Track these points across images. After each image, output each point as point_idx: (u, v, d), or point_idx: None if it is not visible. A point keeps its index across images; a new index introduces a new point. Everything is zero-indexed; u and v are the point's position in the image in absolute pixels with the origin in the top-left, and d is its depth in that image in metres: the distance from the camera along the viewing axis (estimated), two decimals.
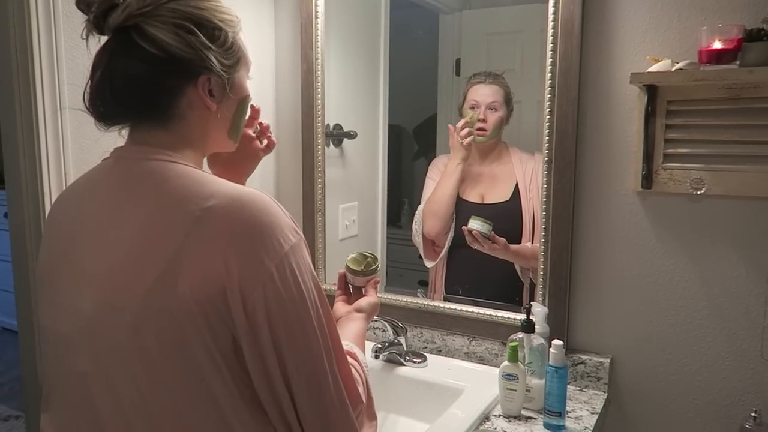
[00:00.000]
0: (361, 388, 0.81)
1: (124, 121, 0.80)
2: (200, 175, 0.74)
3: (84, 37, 0.76)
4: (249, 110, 0.92)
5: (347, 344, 0.89)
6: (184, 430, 0.69)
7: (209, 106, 0.80)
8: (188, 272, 0.66)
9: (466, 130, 1.54)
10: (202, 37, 0.76)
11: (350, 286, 1.17)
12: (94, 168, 0.82)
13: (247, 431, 0.71)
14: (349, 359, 0.82)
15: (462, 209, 1.60)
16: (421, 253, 1.65)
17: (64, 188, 1.20)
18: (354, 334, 1.00)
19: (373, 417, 0.86)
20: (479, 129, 1.54)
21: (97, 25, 0.75)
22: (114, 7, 0.73)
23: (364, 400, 0.81)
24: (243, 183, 1.04)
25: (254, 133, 1.07)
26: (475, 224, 1.52)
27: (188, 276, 0.66)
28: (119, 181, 0.77)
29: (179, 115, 0.78)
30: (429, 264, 1.64)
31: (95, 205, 0.78)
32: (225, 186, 0.72)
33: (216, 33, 0.79)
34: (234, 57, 0.82)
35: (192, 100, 0.78)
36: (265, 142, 1.10)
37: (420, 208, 1.64)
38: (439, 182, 1.60)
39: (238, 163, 1.06)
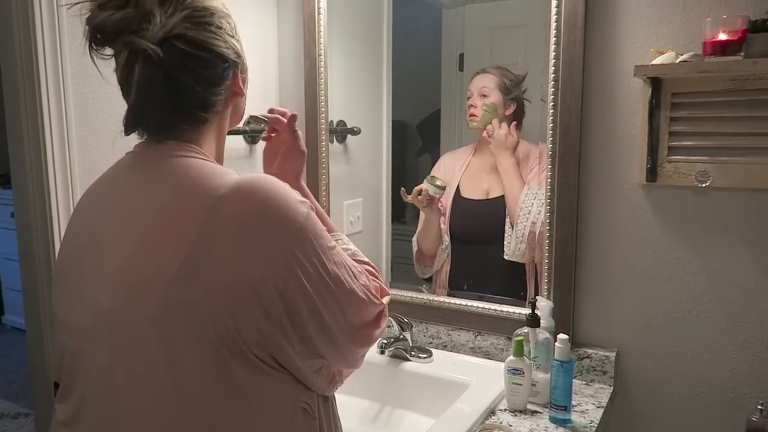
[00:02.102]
0: (375, 280, 0.86)
1: (174, 126, 0.78)
2: (213, 168, 0.75)
3: (118, 68, 0.74)
4: None
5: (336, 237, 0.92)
6: (204, 422, 0.69)
7: (240, 92, 0.84)
8: (208, 262, 0.67)
9: (422, 194, 1.61)
10: (227, 27, 0.79)
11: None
12: (118, 162, 0.82)
13: (273, 418, 0.73)
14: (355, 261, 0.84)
15: (463, 207, 1.62)
16: (419, 271, 1.71)
17: (69, 187, 1.21)
18: None
19: (369, 263, 0.90)
20: (470, 115, 1.57)
21: (134, 43, 0.71)
22: (150, 18, 0.71)
23: (381, 282, 0.87)
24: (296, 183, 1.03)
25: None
26: (426, 185, 1.61)
27: (208, 266, 0.67)
28: (138, 177, 0.78)
29: (218, 108, 0.81)
30: (427, 274, 1.69)
31: (114, 200, 0.78)
32: (232, 176, 0.73)
33: (229, 20, 0.80)
34: (239, 40, 0.84)
35: (230, 91, 0.82)
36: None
37: (414, 238, 1.71)
38: (423, 228, 1.67)
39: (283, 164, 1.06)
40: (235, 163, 1.64)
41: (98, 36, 0.72)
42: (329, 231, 0.92)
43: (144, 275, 0.69)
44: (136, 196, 0.76)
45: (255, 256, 0.68)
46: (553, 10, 1.30)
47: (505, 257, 1.52)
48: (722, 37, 1.11)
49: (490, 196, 1.58)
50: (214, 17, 0.76)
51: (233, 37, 0.80)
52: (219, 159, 0.85)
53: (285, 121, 1.04)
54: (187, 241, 0.68)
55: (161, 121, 0.77)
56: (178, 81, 0.73)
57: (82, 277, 0.76)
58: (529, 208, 1.47)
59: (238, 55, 0.81)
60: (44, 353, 1.25)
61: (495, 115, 1.55)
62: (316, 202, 1.01)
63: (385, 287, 0.88)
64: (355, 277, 0.79)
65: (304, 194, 1.00)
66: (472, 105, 1.56)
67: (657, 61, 1.18)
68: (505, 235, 1.53)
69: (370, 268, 0.88)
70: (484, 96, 1.55)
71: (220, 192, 0.70)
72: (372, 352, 1.49)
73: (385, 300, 0.87)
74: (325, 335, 0.74)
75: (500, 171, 1.54)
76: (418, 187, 1.61)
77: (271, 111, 1.05)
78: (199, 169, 0.74)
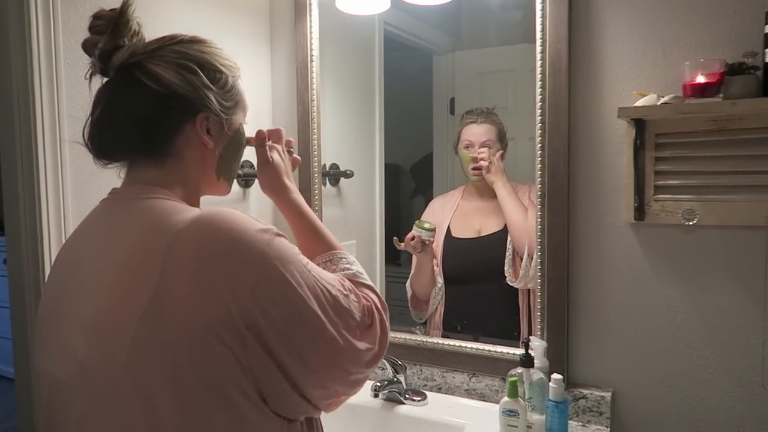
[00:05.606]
0: (364, 301, 0.82)
1: (122, 157, 0.82)
2: (173, 206, 0.76)
3: (87, 77, 0.80)
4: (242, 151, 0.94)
5: (332, 255, 0.91)
6: None
7: (206, 143, 0.82)
8: (172, 302, 0.67)
9: (414, 240, 1.61)
10: (204, 77, 0.80)
11: None
12: (92, 210, 0.84)
13: None
14: (347, 282, 0.82)
15: (454, 246, 1.63)
16: (415, 316, 1.70)
17: (62, 234, 1.21)
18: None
19: (369, 286, 0.87)
20: (475, 168, 1.57)
21: (101, 63, 0.78)
22: (119, 47, 0.78)
23: (372, 300, 0.84)
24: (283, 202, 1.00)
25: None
26: (416, 230, 1.62)
27: (173, 305, 0.67)
28: (107, 223, 0.79)
29: (175, 152, 0.81)
30: (423, 318, 1.68)
31: (86, 248, 0.79)
32: (191, 211, 0.74)
33: (217, 75, 0.83)
34: (233, 100, 0.86)
35: (190, 137, 0.81)
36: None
37: (408, 282, 1.72)
38: (416, 272, 1.67)
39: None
40: (228, 206, 1.65)
41: (87, 54, 0.80)
42: (330, 248, 0.91)
43: (113, 322, 0.69)
44: (104, 242, 0.77)
45: (218, 290, 0.67)
46: (538, 56, 1.34)
47: (512, 284, 1.51)
48: (701, 79, 1.15)
49: (482, 234, 1.59)
50: (190, 62, 0.80)
51: (212, 89, 0.81)
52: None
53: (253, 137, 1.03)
54: (150, 283, 0.68)
55: (101, 144, 0.80)
56: (117, 103, 0.78)
57: (59, 327, 0.76)
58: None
59: (208, 108, 0.81)
60: (32, 403, 1.22)
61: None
62: (313, 216, 0.98)
63: (382, 309, 0.84)
64: (336, 300, 0.77)
65: (287, 208, 0.98)
66: (478, 158, 1.56)
67: (639, 103, 1.21)
68: (506, 264, 1.52)
69: (368, 291, 0.85)
70: (488, 147, 1.56)
71: (177, 228, 0.70)
72: (365, 395, 1.47)
73: (379, 322, 0.82)
74: (302, 365, 0.72)
75: (499, 197, 1.53)
76: (409, 234, 1.62)
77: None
78: (161, 209, 0.75)
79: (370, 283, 0.88)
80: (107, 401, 0.69)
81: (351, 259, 0.92)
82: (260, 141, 1.02)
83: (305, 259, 0.76)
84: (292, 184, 1.01)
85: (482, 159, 1.55)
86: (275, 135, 1.04)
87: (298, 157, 1.10)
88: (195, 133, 0.81)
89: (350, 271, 0.88)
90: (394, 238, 1.67)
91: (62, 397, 0.74)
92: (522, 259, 1.48)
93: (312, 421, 0.82)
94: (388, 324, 0.85)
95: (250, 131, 0.94)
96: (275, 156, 1.01)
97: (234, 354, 0.67)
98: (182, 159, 0.81)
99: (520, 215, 1.50)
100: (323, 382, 0.76)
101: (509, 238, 1.52)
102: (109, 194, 0.82)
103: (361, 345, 0.79)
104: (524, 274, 1.47)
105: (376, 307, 0.84)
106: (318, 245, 0.93)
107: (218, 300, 0.67)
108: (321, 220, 1.66)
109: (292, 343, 0.71)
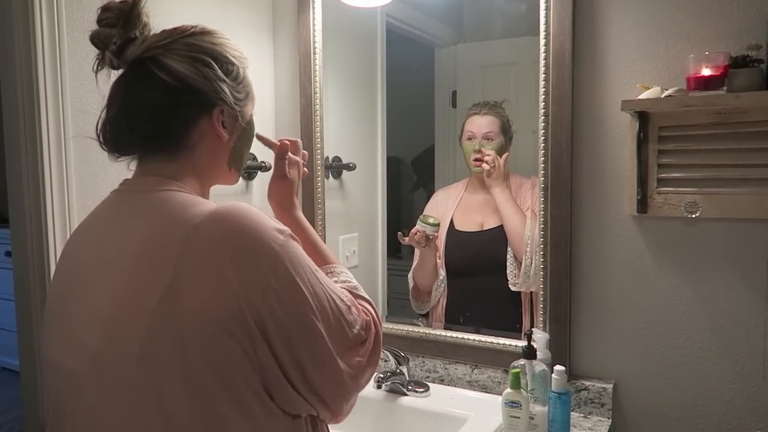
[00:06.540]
0: (368, 314, 0.84)
1: (136, 150, 0.82)
2: (189, 199, 0.76)
3: (95, 70, 0.80)
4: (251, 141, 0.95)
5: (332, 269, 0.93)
6: None
7: (222, 136, 0.83)
8: (187, 295, 0.67)
9: (418, 234, 1.61)
10: (218, 70, 0.80)
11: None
12: (102, 201, 0.84)
13: None
14: (348, 294, 0.84)
15: (457, 239, 1.63)
16: (415, 307, 1.70)
17: (67, 225, 1.21)
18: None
19: (367, 300, 0.89)
20: (476, 160, 1.56)
21: (114, 58, 0.78)
22: (131, 40, 0.77)
23: (371, 314, 0.86)
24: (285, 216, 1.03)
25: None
26: (420, 226, 1.62)
27: (188, 299, 0.67)
28: (119, 214, 0.79)
29: (190, 145, 0.81)
30: (425, 310, 1.68)
31: (97, 239, 0.79)
32: (208, 205, 0.74)
33: (229, 67, 0.83)
34: (244, 91, 0.86)
35: (204, 130, 0.81)
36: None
37: (410, 274, 1.72)
38: (419, 264, 1.67)
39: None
40: (231, 198, 1.65)
41: (96, 47, 0.79)
42: (327, 262, 0.93)
43: (127, 313, 0.69)
44: (117, 232, 0.77)
45: (231, 285, 0.68)
46: (542, 49, 1.34)
47: (513, 289, 1.51)
48: (705, 72, 1.15)
49: (485, 228, 1.59)
50: (204, 55, 0.79)
51: (226, 82, 0.81)
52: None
53: (278, 146, 1.04)
54: (165, 275, 0.68)
55: (117, 138, 0.80)
56: (134, 98, 0.78)
57: (69, 318, 0.76)
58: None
59: (223, 101, 0.81)
60: (38, 395, 1.23)
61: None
62: (313, 232, 1.01)
63: (378, 324, 0.86)
64: (339, 310, 0.78)
65: (289, 223, 0.99)
66: (479, 151, 1.55)
67: (643, 96, 1.21)
68: (508, 266, 1.52)
69: (366, 305, 0.87)
70: (490, 139, 1.56)
71: (194, 222, 0.70)
72: (368, 387, 1.47)
73: (373, 337, 0.84)
74: (298, 367, 0.73)
75: (497, 202, 1.54)
76: (414, 229, 1.62)
77: (280, 140, 1.06)
78: (177, 202, 0.75)
79: (368, 297, 0.90)
80: (118, 392, 0.70)
81: (350, 274, 0.94)
82: (282, 154, 1.03)
83: (315, 266, 0.77)
84: (298, 201, 1.04)
85: (487, 161, 1.54)
86: (294, 147, 1.05)
87: (307, 170, 1.11)
88: (210, 126, 0.81)
89: (351, 284, 0.90)
90: (399, 232, 1.67)
91: (72, 388, 0.74)
92: (521, 263, 1.48)
93: (316, 417, 0.83)
94: (381, 339, 0.87)
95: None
96: (293, 173, 1.03)
97: (244, 350, 0.68)
98: (196, 151, 0.82)
99: (518, 220, 1.50)
100: (315, 387, 0.76)
101: None
102: (120, 185, 0.82)
103: (351, 358, 0.80)
104: (524, 279, 1.48)
105: (374, 322, 0.86)
106: (318, 258, 0.95)
107: (231, 295, 0.67)
108: (323, 213, 1.68)
109: (293, 344, 0.72)
